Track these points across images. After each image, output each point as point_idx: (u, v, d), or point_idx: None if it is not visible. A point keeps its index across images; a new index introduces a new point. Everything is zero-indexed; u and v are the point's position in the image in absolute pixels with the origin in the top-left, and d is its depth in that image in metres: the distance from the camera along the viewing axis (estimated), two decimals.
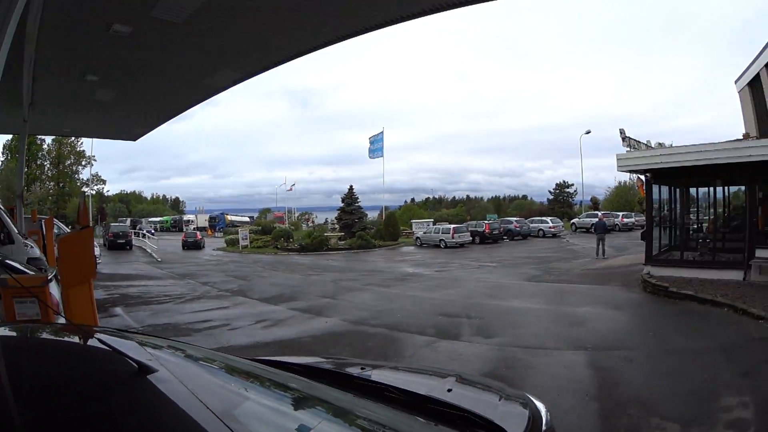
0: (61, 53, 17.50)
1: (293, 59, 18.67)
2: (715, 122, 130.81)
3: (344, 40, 16.86)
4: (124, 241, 55.46)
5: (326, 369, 3.68)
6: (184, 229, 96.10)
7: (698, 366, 10.50)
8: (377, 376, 3.53)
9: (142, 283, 27.60)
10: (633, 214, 64.03)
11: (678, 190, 25.07)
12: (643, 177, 26.25)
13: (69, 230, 32.38)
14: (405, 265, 37.85)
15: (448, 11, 14.49)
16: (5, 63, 8.22)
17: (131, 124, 29.77)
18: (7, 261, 12.20)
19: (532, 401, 3.25)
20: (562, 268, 30.66)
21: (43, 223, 24.65)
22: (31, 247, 19.26)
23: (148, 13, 14.24)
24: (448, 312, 17.49)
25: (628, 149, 24.59)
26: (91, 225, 10.92)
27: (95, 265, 9.81)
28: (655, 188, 24.30)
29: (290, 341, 13.94)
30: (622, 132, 24.81)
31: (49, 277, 9.45)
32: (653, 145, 25.79)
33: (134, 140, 34.53)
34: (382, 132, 72.71)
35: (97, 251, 31.23)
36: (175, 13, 14.28)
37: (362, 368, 3.71)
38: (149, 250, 50.65)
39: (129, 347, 2.57)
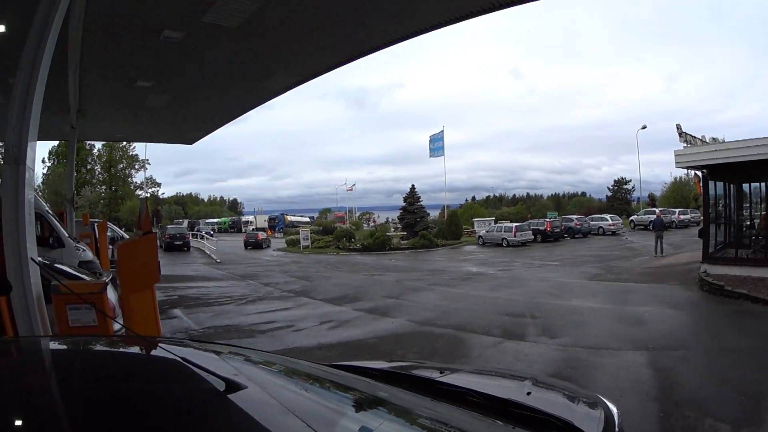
0: (108, 60, 17.90)
1: (352, 61, 18.84)
2: (763, 113, 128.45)
3: (403, 40, 16.92)
4: (181, 242, 55.85)
5: (407, 374, 3.52)
6: (243, 230, 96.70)
7: (751, 366, 10.62)
8: (456, 380, 3.42)
9: (201, 285, 27.66)
10: (689, 210, 62.81)
11: (733, 186, 24.53)
12: (699, 173, 25.99)
13: (123, 233, 34.09)
14: (468, 264, 37.71)
15: (501, 10, 14.39)
16: (50, 70, 8.41)
17: (187, 128, 30.85)
18: (57, 265, 12.39)
19: (605, 403, 3.20)
20: (622, 266, 30.75)
21: (96, 226, 25.97)
22: (84, 250, 19.90)
23: (200, 19, 14.50)
24: (512, 312, 17.57)
25: (685, 145, 24.42)
26: (154, 231, 10.92)
27: (159, 271, 9.24)
28: (710, 184, 24.03)
29: (356, 342, 13.97)
30: (678, 127, 24.64)
31: (107, 282, 9.41)
32: (708, 140, 25.15)
33: (191, 144, 35.95)
34: (442, 131, 73.20)
35: None
36: (228, 18, 14.47)
37: (440, 372, 3.64)
38: (208, 251, 50.84)
39: (208, 360, 2.47)
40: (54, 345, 3.20)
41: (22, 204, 7.80)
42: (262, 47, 17.15)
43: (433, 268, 35.52)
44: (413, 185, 67.63)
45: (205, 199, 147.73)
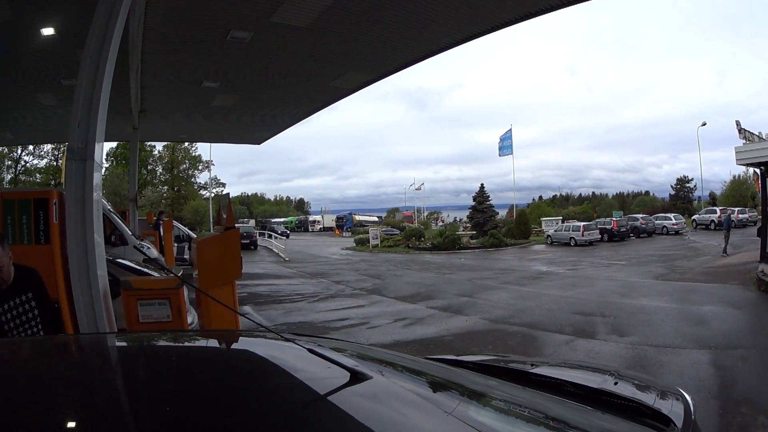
0: (172, 61, 18.24)
1: (424, 59, 18.97)
2: None
3: (474, 38, 16.97)
4: (248, 241, 54.20)
5: (501, 367, 3.51)
6: (311, 229, 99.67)
7: None
8: (547, 371, 3.42)
9: (270, 282, 27.68)
10: (746, 209, 60.94)
11: None
12: (758, 170, 25.32)
13: (189, 231, 34.50)
14: (537, 263, 37.48)
15: (568, 7, 14.79)
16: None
17: (255, 129, 30.74)
18: (120, 260, 12.53)
19: (683, 394, 3.14)
20: (685, 266, 30.50)
21: (161, 224, 25.50)
22: (148, 248, 20.09)
23: (268, 19, 14.71)
24: (582, 311, 17.69)
25: (745, 141, 24.09)
26: (236, 226, 11.17)
27: (241, 266, 9.34)
28: None
29: (432, 340, 14.04)
30: (738, 124, 24.35)
31: (181, 278, 9.69)
32: (765, 137, 24.73)
33: (259, 143, 36.10)
34: (510, 129, 73.57)
35: None
36: (297, 17, 14.64)
37: (531, 365, 3.66)
38: (276, 250, 50.47)
39: (325, 351, 2.32)
40: (159, 340, 3.20)
41: (90, 201, 8.01)
42: (331, 46, 17.30)
43: (503, 267, 35.27)
44: (482, 184, 67.90)
45: (271, 199, 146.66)
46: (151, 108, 24.11)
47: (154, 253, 20.16)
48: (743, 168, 62.47)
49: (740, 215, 57.86)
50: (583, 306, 18.60)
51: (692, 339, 13.50)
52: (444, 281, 27.50)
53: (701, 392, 9.32)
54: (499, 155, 75.26)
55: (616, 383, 3.17)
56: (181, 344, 3.10)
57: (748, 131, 24.61)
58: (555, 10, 14.98)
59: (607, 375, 3.43)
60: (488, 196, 66.79)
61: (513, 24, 15.76)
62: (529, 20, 15.69)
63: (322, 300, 21.17)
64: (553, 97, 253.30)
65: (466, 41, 16.94)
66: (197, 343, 3.15)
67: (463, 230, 61.90)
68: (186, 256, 27.94)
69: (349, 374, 2.01)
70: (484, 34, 16.68)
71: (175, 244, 27.55)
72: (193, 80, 20.30)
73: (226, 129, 31.10)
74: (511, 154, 73.35)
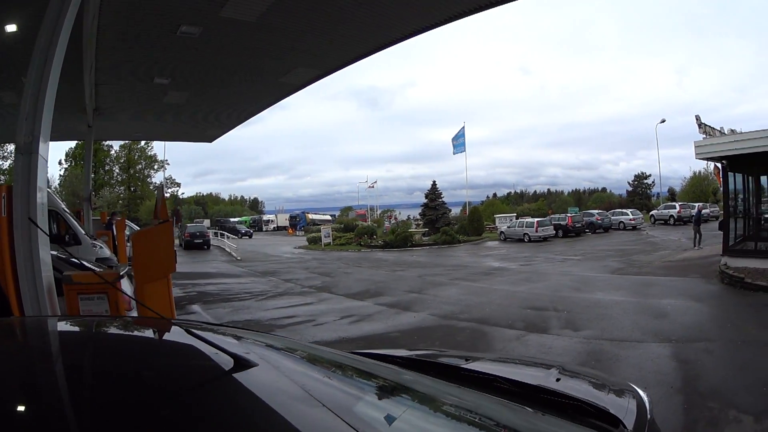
0: (125, 58, 18.10)
1: (373, 53, 18.81)
2: None
3: (424, 32, 16.81)
4: (201, 240, 55.31)
5: (431, 361, 3.52)
6: (265, 229, 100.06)
7: None
8: (482, 367, 3.33)
9: (221, 281, 27.66)
10: (708, 204, 61.20)
11: (752, 178, 23.98)
12: (719, 165, 25.58)
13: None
14: (490, 259, 37.52)
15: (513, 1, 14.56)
16: (64, 68, 8.57)
17: (206, 126, 30.65)
18: (72, 259, 12.45)
19: (636, 390, 3.15)
20: (643, 260, 30.47)
21: (114, 224, 25.77)
22: (101, 247, 20.23)
23: (217, 13, 14.55)
24: (535, 305, 17.48)
25: (705, 136, 24.05)
26: (170, 219, 12.02)
27: (175, 260, 9.23)
28: (730, 177, 23.75)
29: (378, 336, 13.89)
30: (698, 118, 24.23)
31: (120, 274, 9.74)
32: (726, 132, 24.67)
33: (210, 141, 36.27)
34: (463, 127, 72.75)
35: None
36: (245, 11, 14.52)
37: (466, 359, 3.53)
38: (228, 249, 50.51)
39: (220, 340, 2.34)
40: (60, 325, 3.14)
41: (34, 193, 7.87)
42: (279, 41, 17.23)
43: (455, 263, 35.33)
44: (434, 182, 67.55)
45: (226, 199, 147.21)
46: (106, 106, 24.14)
47: (106, 252, 20.27)
48: (704, 164, 63.77)
49: (702, 210, 57.77)
50: (535, 301, 18.43)
51: (652, 332, 13.24)
52: (394, 278, 27.46)
53: (662, 387, 9.00)
54: (453, 153, 74.52)
55: (558, 380, 3.12)
56: (71, 329, 3.04)
57: (709, 126, 24.61)
58: (505, 3, 15.05)
59: (552, 370, 3.41)
60: (440, 194, 66.36)
61: (462, 17, 15.77)
62: (482, 17, 15.78)
63: (271, 298, 21.20)
64: (507, 95, 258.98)
65: (414, 35, 16.96)
66: (88, 328, 3.01)
67: (416, 228, 61.94)
68: None
69: (232, 361, 1.99)
70: (432, 28, 16.69)
71: (128, 244, 26.70)
72: (145, 77, 20.36)
73: (178, 127, 31.23)
74: (464, 152, 72.93)
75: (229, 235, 61.69)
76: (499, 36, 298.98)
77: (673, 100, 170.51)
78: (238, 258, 43.32)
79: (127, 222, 32.37)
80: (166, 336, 2.68)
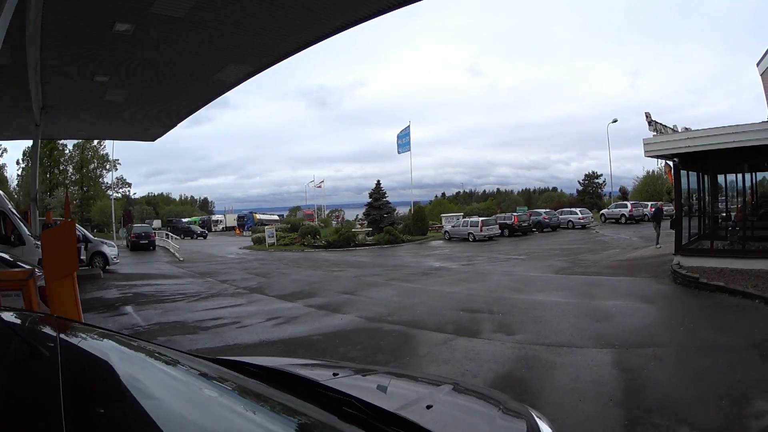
0: (66, 55, 18.22)
1: (303, 49, 18.85)
2: (734, 110, 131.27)
3: (353, 26, 16.89)
4: (146, 241, 55.29)
5: (288, 372, 3.15)
6: (213, 229, 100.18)
7: (730, 365, 9.71)
8: (347, 384, 3.14)
9: (158, 282, 27.31)
10: (661, 203, 61.94)
11: (706, 176, 23.81)
12: (671, 163, 25.14)
13: (88, 232, 35.48)
14: (431, 259, 37.22)
15: None
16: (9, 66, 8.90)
17: (147, 125, 31.20)
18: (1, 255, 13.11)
19: (533, 416, 2.94)
20: (591, 259, 30.05)
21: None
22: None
23: (148, 10, 14.69)
24: (470, 307, 16.83)
25: (655, 133, 23.49)
26: (73, 219, 12.87)
27: (78, 259, 9.49)
28: (683, 175, 23.42)
29: (299, 339, 13.42)
30: (648, 116, 23.59)
31: (37, 272, 9.35)
32: (679, 130, 24.12)
33: (153, 140, 36.72)
34: (408, 126, 72.80)
35: (114, 251, 33.75)
36: (175, 7, 14.63)
37: (334, 374, 3.40)
38: (172, 250, 50.29)
39: (34, 333, 2.47)
40: None
41: None
42: (209, 38, 17.39)
43: (395, 263, 35.22)
44: (378, 181, 68.35)
45: (177, 199, 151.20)
46: (53, 104, 24.34)
47: None
48: (656, 164, 64.17)
49: (654, 209, 58.22)
50: (471, 302, 17.85)
51: (593, 336, 12.48)
52: (330, 279, 27.15)
53: (600, 399, 8.16)
54: (398, 152, 74.48)
55: (429, 406, 2.94)
56: None
57: (660, 123, 24.13)
58: None
59: (440, 387, 3.33)
60: (385, 193, 67.17)
61: (388, 11, 16.03)
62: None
63: (203, 299, 20.96)
64: (457, 96, 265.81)
65: (344, 29, 17.16)
66: None
67: (360, 227, 61.71)
68: (83, 257, 28.98)
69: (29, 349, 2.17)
70: (359, 23, 16.87)
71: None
72: (87, 75, 20.48)
73: (121, 125, 31.40)
74: (410, 150, 72.67)
75: (173, 236, 61.73)
76: (449, 37, 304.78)
77: (627, 102, 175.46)
78: (181, 259, 43.29)
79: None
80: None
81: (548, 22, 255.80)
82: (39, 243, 18.89)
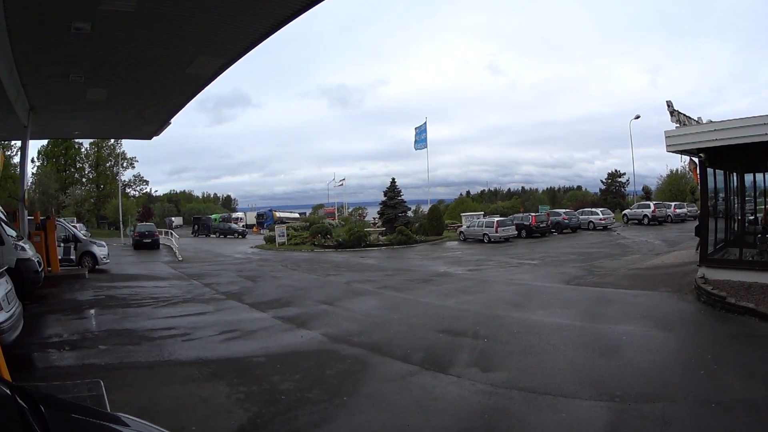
0: (37, 57, 18.10)
1: (272, 33, 17.43)
2: (753, 108, 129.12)
3: (316, 4, 15.55)
4: (150, 240, 54.25)
5: None
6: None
7: None
8: None
9: (140, 284, 26.07)
10: (685, 204, 61.60)
11: (734, 175, 21.09)
12: (696, 159, 21.67)
13: (78, 231, 34.97)
14: (439, 262, 35.40)
15: None
16: None
17: (139, 123, 30.52)
18: None
19: None
20: (608, 267, 27.75)
21: (46, 224, 26.30)
22: (23, 248, 19.83)
23: (97, 7, 14.21)
24: (453, 328, 14.68)
25: (677, 125, 20.83)
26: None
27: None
28: (709, 173, 20.50)
29: (238, 360, 11.94)
30: (669, 104, 21.01)
31: None
32: (704, 122, 21.57)
33: (149, 139, 35.59)
34: (425, 123, 72.05)
35: (104, 251, 32.64)
36: (122, 2, 14.04)
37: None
38: (175, 250, 49.37)
39: None
40: None
41: None
42: (170, 30, 16.73)
43: (399, 267, 33.71)
44: (393, 179, 66.51)
45: (199, 196, 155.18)
46: (39, 105, 24.27)
47: (28, 253, 19.98)
48: (680, 160, 62.07)
49: (678, 210, 58.64)
50: (458, 321, 15.69)
51: (590, 380, 9.84)
52: (319, 285, 25.51)
53: None
54: (415, 149, 74.12)
55: None
56: None
57: (683, 114, 21.52)
58: None
59: None
60: (400, 191, 65.34)
61: None
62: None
63: (171, 305, 19.94)
64: (479, 94, 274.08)
65: (309, 8, 15.65)
66: None
67: (373, 226, 60.79)
68: (72, 257, 30.14)
69: None
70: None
71: (62, 245, 29.23)
72: (62, 75, 20.13)
73: (113, 124, 31.61)
74: (426, 147, 72.20)
75: (174, 233, 60.52)
76: (468, 35, 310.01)
77: (648, 99, 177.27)
78: (180, 259, 42.53)
79: (63, 222, 33.35)
80: None
81: (564, 19, 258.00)
82: (18, 243, 19.93)
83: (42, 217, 27.77)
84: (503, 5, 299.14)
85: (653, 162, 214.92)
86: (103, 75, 20.33)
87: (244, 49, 18.68)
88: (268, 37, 17.59)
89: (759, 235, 19.68)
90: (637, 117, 71.06)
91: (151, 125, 31.16)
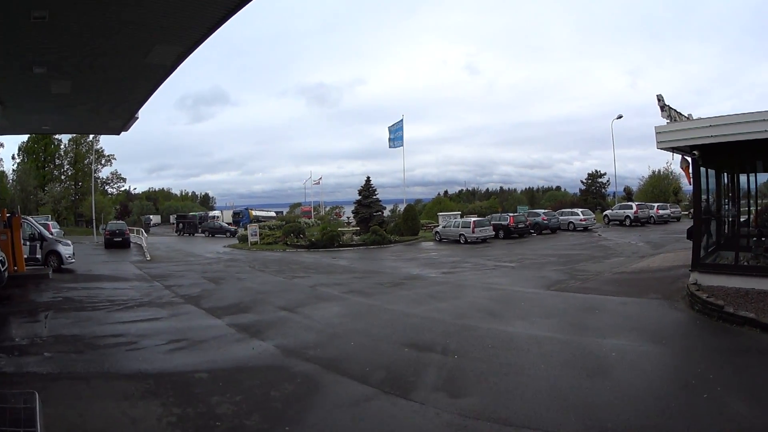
0: (5, 49, 17.37)
1: (227, 19, 16.57)
2: (736, 111, 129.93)
3: None
4: (121, 239, 53.58)
5: None
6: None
7: None
8: None
9: (100, 286, 25.52)
10: (668, 205, 61.35)
11: (728, 175, 20.52)
12: (689, 158, 20.50)
13: (44, 229, 33.50)
14: (412, 264, 34.27)
15: None
16: None
17: (106, 117, 29.22)
18: None
19: None
20: (591, 270, 26.36)
21: (11, 222, 25.88)
22: None
23: None
24: (421, 341, 13.40)
25: (668, 121, 19.60)
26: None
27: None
28: (702, 171, 19.37)
29: (178, 375, 11.14)
30: (660, 98, 19.74)
31: None
32: (695, 118, 20.45)
33: (118, 134, 34.22)
34: (401, 120, 70.57)
35: (70, 250, 32.01)
36: None
37: None
38: (145, 248, 48.72)
39: None
40: None
41: None
42: (123, 17, 15.58)
43: (370, 269, 32.68)
44: (368, 177, 65.83)
45: (177, 194, 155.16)
46: (7, 99, 23.50)
47: None
48: (664, 162, 62.15)
49: (661, 211, 58.15)
50: (426, 332, 14.52)
51: (577, 408, 8.52)
52: (283, 288, 24.63)
53: None
54: (390, 146, 72.08)
55: None
56: None
57: (674, 109, 20.35)
58: None
59: None
60: (375, 190, 64.26)
61: None
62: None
63: (126, 309, 19.33)
64: (456, 93, 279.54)
65: None
66: None
67: (347, 226, 59.97)
68: (38, 256, 29.73)
69: None
70: None
71: (28, 243, 29.10)
72: (25, 66, 19.34)
73: (80, 119, 30.23)
74: (402, 145, 70.27)
75: (143, 231, 61.81)
76: (447, 36, 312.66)
77: (628, 101, 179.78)
78: (149, 258, 41.86)
79: (30, 220, 32.55)
80: None
81: (545, 20, 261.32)
82: None
83: (8, 214, 26.69)
84: (483, 6, 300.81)
85: (632, 163, 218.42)
86: (66, 67, 19.55)
87: (202, 35, 17.61)
88: (224, 22, 16.68)
89: (754, 239, 18.67)
90: (620, 117, 70.74)
91: (118, 119, 29.80)
